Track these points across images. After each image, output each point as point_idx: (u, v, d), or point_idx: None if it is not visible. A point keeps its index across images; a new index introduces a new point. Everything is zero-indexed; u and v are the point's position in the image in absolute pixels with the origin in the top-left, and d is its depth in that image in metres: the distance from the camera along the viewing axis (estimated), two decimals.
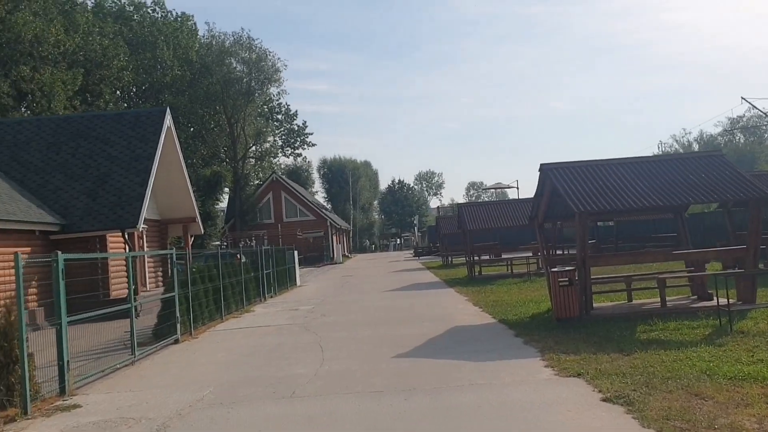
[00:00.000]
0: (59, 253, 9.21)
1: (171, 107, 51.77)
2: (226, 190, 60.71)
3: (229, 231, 57.67)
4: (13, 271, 17.74)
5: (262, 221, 60.40)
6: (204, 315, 16.52)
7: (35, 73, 37.15)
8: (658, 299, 13.45)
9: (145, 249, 24.68)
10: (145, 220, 24.54)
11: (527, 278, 24.67)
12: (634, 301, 14.66)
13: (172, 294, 14.12)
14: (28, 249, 19.48)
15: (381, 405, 7.58)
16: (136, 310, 19.14)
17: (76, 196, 21.87)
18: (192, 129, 57.34)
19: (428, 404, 7.47)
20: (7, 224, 18.13)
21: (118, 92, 52.02)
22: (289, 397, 8.28)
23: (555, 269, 13.05)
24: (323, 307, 19.86)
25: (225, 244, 55.81)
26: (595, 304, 13.91)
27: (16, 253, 8.25)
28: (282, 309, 20.09)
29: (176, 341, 13.95)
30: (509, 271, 27.63)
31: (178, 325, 14.13)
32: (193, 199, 27.39)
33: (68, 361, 9.21)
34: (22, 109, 38.82)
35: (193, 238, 28.75)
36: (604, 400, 7.15)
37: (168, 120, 24.71)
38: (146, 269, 24.64)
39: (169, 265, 17.02)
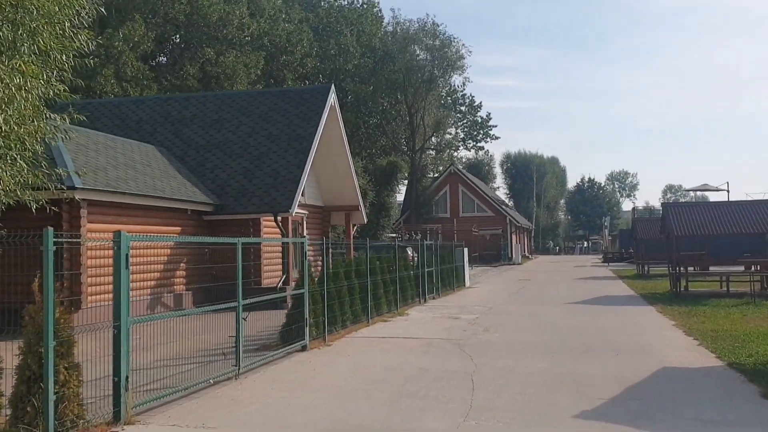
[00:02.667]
0: (122, 234, 6.97)
1: (354, 96, 51.11)
2: (405, 181, 59.01)
3: (403, 223, 55.87)
4: (159, 251, 16.59)
5: (438, 215, 57.83)
6: (345, 316, 14.02)
7: (220, 57, 37.47)
8: None
9: (305, 236, 22.97)
10: (307, 205, 22.86)
11: (750, 300, 19.54)
12: None
13: (301, 291, 11.72)
14: (177, 229, 18.34)
15: None
16: (285, 301, 17.50)
17: (233, 175, 20.55)
18: (373, 120, 56.23)
19: None
20: (153, 201, 16.98)
21: (306, 81, 52.08)
22: None
23: None
24: (489, 317, 16.61)
25: (399, 236, 54.10)
26: None
27: (45, 229, 6.04)
28: (440, 315, 17.14)
29: (303, 348, 11.53)
30: (723, 288, 22.46)
31: (307, 329, 11.70)
32: (357, 185, 25.29)
33: (127, 377, 6.94)
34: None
35: (356, 228, 26.74)
36: None
37: (332, 98, 22.72)
38: None
39: (328, 254, 14.85)
